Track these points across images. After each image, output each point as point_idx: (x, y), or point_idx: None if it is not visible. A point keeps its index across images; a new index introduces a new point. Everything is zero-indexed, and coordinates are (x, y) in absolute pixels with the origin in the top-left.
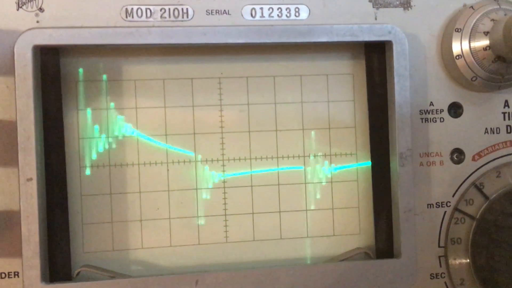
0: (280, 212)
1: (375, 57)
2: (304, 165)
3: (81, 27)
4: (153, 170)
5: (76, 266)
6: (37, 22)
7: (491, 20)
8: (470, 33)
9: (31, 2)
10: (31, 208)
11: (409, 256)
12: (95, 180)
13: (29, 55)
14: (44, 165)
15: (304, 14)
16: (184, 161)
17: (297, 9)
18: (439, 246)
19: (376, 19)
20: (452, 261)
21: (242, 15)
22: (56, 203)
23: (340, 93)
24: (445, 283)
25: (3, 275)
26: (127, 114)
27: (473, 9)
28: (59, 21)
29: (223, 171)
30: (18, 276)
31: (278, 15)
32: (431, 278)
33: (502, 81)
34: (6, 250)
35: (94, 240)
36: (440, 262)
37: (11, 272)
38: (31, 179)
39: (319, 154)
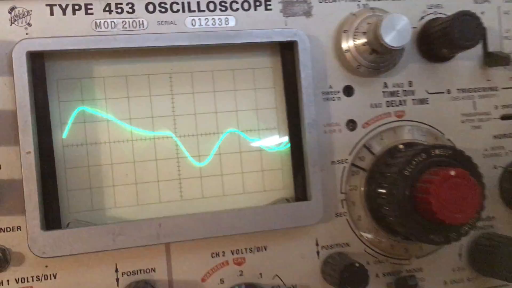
0: (222, 175)
1: (287, 53)
2: (239, 138)
3: (61, 36)
4: (121, 146)
5: (65, 222)
6: (27, 34)
7: (367, 24)
8: (354, 33)
9: (21, 19)
10: (30, 174)
11: (317, 198)
12: (76, 155)
13: (23, 59)
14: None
15: (232, 22)
16: (146, 138)
17: (226, 19)
18: (341, 193)
19: (286, 24)
20: (351, 203)
21: (185, 25)
22: (47, 174)
23: (264, 82)
24: (347, 219)
25: (8, 229)
26: (99, 103)
27: (355, 16)
28: (43, 33)
29: (176, 148)
30: (20, 230)
31: (212, 23)
32: (336, 216)
33: (378, 68)
34: (10, 210)
35: (77, 202)
36: (342, 204)
37: (14, 227)
38: (29, 152)
39: (250, 129)
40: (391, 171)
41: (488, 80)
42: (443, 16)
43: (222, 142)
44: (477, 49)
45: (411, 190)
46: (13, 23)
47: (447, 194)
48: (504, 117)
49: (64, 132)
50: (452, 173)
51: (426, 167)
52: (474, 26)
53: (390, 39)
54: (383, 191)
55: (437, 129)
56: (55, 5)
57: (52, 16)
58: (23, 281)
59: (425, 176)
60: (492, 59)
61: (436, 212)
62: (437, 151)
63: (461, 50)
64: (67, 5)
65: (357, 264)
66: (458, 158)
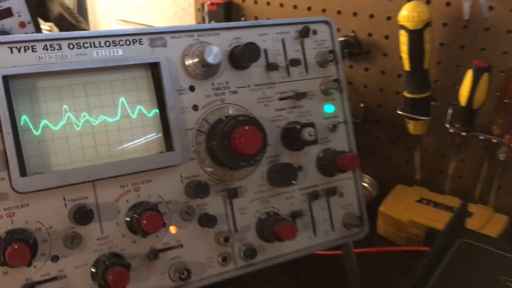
0: (121, 142)
1: (154, 69)
2: (130, 120)
3: (19, 66)
4: (57, 128)
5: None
6: None
7: (199, 50)
8: (191, 56)
9: None
10: (10, 145)
11: (178, 150)
12: (30, 135)
13: (0, 80)
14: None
15: (120, 52)
16: (72, 123)
17: (117, 51)
18: (192, 146)
19: (152, 52)
20: (198, 151)
21: (93, 55)
22: (17, 146)
23: (142, 86)
24: (197, 161)
25: None
26: (43, 105)
27: (192, 46)
28: (8, 64)
29: (92, 127)
30: (4, 180)
31: (109, 54)
32: (190, 160)
33: (207, 74)
34: None
35: (33, 163)
36: (194, 153)
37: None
38: (9, 133)
39: (137, 114)
40: (217, 131)
41: (270, 78)
42: (241, 44)
43: (121, 122)
44: (262, 61)
45: (228, 139)
46: None
47: (245, 139)
48: (280, 99)
49: (21, 122)
50: (247, 128)
51: (234, 126)
52: (254, 50)
53: (209, 59)
54: (214, 143)
55: (244, 107)
56: (14, 47)
57: (12, 54)
58: (8, 209)
59: (234, 131)
60: (270, 67)
61: (240, 148)
62: (240, 118)
63: (250, 63)
64: (21, 46)
65: (203, 182)
66: (250, 121)
